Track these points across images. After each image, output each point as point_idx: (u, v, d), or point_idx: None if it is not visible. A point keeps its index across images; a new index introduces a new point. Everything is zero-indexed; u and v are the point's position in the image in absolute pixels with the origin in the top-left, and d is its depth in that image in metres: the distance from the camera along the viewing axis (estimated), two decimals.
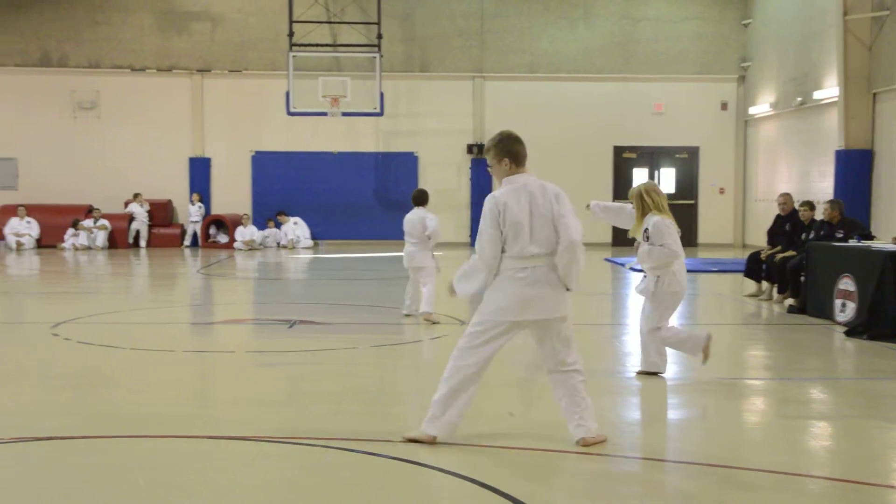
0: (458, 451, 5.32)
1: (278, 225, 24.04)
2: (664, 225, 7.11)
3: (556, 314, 5.37)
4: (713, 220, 25.16)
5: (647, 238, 7.18)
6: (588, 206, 7.68)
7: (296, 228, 23.92)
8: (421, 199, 10.90)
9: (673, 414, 6.71)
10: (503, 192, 5.42)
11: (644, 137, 24.97)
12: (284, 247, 23.66)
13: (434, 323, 10.44)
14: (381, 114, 22.58)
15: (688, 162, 25.33)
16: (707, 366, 7.49)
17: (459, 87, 24.71)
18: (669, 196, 25.41)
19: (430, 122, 24.72)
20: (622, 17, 24.67)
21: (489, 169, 5.61)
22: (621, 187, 25.07)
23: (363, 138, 24.54)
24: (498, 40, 24.63)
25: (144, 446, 5.45)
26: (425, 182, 23.88)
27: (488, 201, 5.38)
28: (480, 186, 24.47)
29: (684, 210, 25.43)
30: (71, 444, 5.43)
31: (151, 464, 5.09)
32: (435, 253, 10.92)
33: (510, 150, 5.45)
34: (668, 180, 25.38)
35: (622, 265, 18.41)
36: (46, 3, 23.85)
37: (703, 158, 25.15)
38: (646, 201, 7.23)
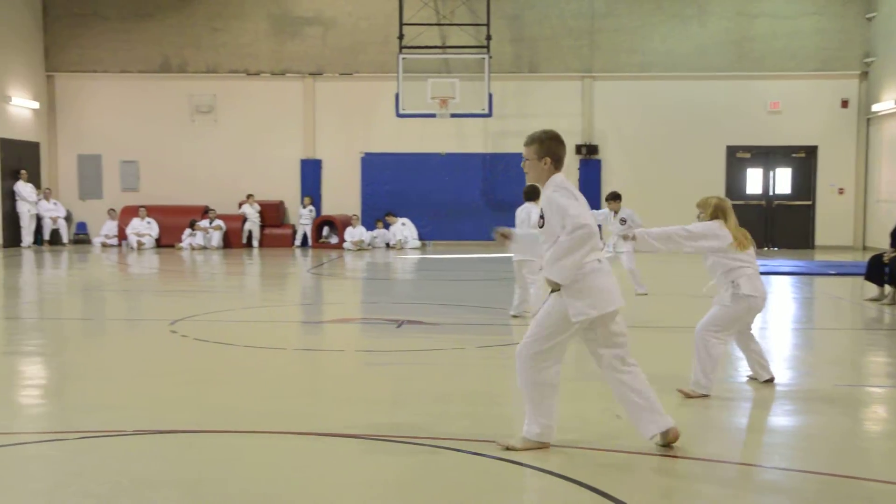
0: (562, 454, 5.26)
1: (387, 226, 24.31)
2: (716, 223, 6.87)
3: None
4: (831, 221, 24.29)
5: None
6: (633, 237, 6.88)
7: (404, 229, 24.14)
8: (533, 194, 10.97)
9: (787, 421, 6.49)
10: (569, 186, 5.26)
11: (759, 137, 24.31)
12: (392, 247, 23.91)
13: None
14: (489, 115, 22.58)
15: (805, 161, 24.54)
16: (824, 373, 7.22)
17: (568, 87, 24.53)
18: (785, 197, 25.00)
19: (539, 123, 24.46)
20: (738, 14, 24.06)
21: (523, 164, 5.37)
22: (734, 188, 24.51)
23: (471, 139, 24.60)
24: (608, 40, 24.35)
25: (257, 442, 5.57)
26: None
27: (559, 185, 5.20)
28: (589, 187, 24.22)
29: (801, 211, 24.68)
30: (189, 438, 5.59)
31: (264, 459, 5.20)
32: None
33: (554, 151, 5.28)
34: (783, 180, 24.67)
35: None
36: (168, 11, 24.71)
37: (822, 158, 24.32)
38: (727, 215, 6.95)
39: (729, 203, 7.07)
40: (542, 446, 5.29)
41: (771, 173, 24.68)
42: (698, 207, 7.05)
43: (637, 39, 24.29)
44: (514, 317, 10.93)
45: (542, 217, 5.30)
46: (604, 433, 5.81)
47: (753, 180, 24.79)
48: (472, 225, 24.39)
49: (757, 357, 7.27)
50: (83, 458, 5.21)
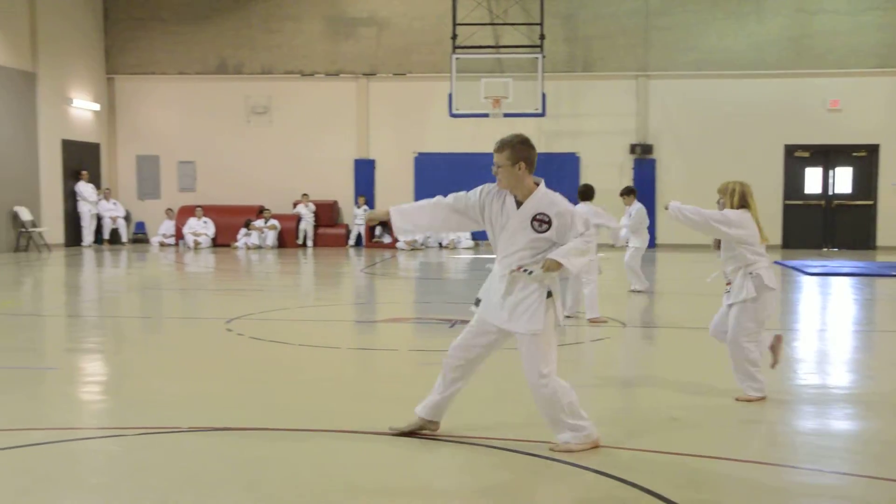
0: (620, 455, 5.22)
1: None
2: (746, 215, 6.66)
3: None
4: (894, 221, 23.77)
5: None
6: (667, 207, 6.89)
7: None
8: (588, 193, 10.96)
9: (848, 425, 6.35)
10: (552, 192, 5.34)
11: (818, 135, 23.88)
12: (445, 247, 23.95)
13: (603, 322, 10.44)
14: (542, 114, 22.50)
15: (866, 160, 24.04)
16: (886, 376, 7.07)
17: (623, 86, 24.34)
18: (845, 196, 24.54)
19: (593, 123, 24.47)
20: (796, 11, 23.66)
21: (495, 170, 5.30)
22: (792, 187, 24.13)
23: None
24: (663, 38, 24.12)
25: (312, 440, 5.61)
26: (587, 183, 23.69)
27: (571, 206, 5.34)
28: (643, 187, 24.00)
29: (862, 211, 24.19)
30: (245, 436, 5.65)
31: (317, 457, 5.23)
32: (597, 254, 10.85)
33: (527, 155, 5.26)
34: (843, 180, 24.22)
35: (795, 269, 17.66)
36: (224, 13, 25.04)
37: (884, 156, 23.81)
38: (748, 201, 6.76)
39: (751, 189, 6.83)
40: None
41: (830, 172, 24.23)
42: (719, 193, 6.83)
43: (692, 37, 24.02)
44: (567, 317, 10.86)
45: (545, 221, 5.22)
46: (660, 434, 5.75)
47: (812, 180, 24.36)
48: None
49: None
50: (142, 453, 5.29)
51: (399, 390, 7.15)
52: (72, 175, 23.83)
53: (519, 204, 5.33)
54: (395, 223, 5.55)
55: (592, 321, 10.51)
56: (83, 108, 24.36)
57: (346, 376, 7.87)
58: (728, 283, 6.79)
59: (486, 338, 5.45)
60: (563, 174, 23.95)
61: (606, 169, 24.24)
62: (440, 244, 24.17)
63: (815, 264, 18.30)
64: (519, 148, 5.23)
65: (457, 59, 22.40)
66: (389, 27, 24.79)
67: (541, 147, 24.66)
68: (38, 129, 22.52)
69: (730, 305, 6.75)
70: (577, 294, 10.87)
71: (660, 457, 5.25)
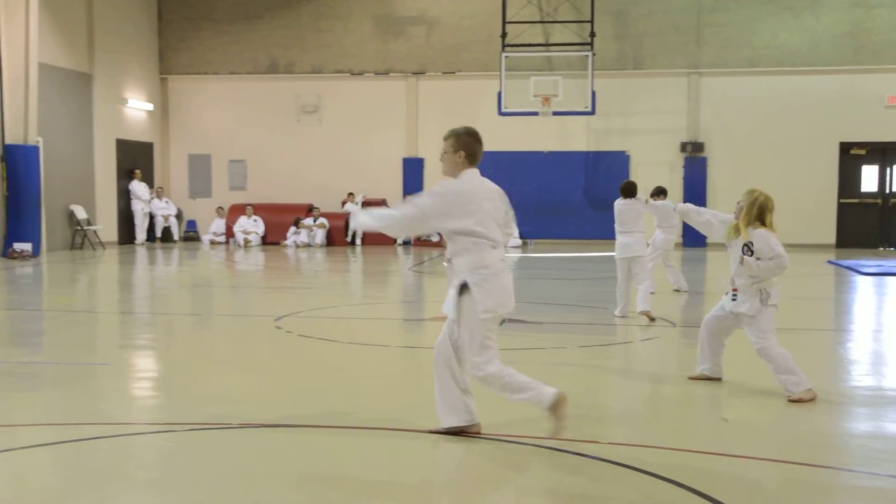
0: (666, 455, 5.16)
1: None
2: (772, 238, 6.59)
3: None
4: None
5: (751, 253, 6.66)
6: (675, 207, 7.50)
7: None
8: (632, 190, 10.94)
9: None
10: (469, 181, 5.46)
11: (874, 132, 23.43)
12: None
13: (651, 320, 10.37)
14: (592, 112, 22.35)
15: None
16: None
17: (674, 83, 24.10)
18: None
19: (643, 121, 24.26)
20: (853, 6, 23.22)
21: (441, 156, 5.62)
22: (847, 185, 23.70)
23: (573, 137, 24.41)
24: (716, 35, 23.82)
25: (359, 437, 5.63)
26: (636, 181, 23.48)
27: (452, 185, 5.45)
28: (694, 185, 23.77)
29: None
30: (293, 432, 5.68)
31: (365, 455, 5.25)
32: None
33: (469, 146, 5.50)
34: None
35: (849, 268, 17.33)
36: (275, 14, 25.27)
37: None
38: (765, 216, 6.69)
39: (773, 204, 6.75)
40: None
41: (888, 170, 23.75)
42: (745, 195, 6.81)
43: (746, 34, 23.69)
44: (622, 317, 10.76)
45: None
46: (711, 435, 5.68)
47: (868, 178, 23.89)
48: (574, 224, 24.22)
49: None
50: (192, 449, 5.35)
51: None
52: (125, 174, 24.23)
53: None
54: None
55: (645, 313, 10.51)
56: (137, 108, 24.74)
57: (393, 374, 7.89)
58: (735, 290, 6.76)
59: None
60: (613, 173, 23.81)
61: (656, 167, 24.03)
62: None
63: (871, 264, 17.95)
64: (463, 139, 5.51)
65: (506, 57, 22.35)
66: (439, 26, 24.81)
67: (590, 145, 24.70)
68: (94, 129, 22.93)
69: (735, 314, 6.74)
70: (627, 296, 10.77)
71: (710, 458, 5.19)
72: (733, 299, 6.76)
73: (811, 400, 6.49)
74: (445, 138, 5.59)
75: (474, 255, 5.32)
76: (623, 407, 6.71)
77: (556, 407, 5.26)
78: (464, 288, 5.36)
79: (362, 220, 5.49)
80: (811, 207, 23.23)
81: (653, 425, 6.07)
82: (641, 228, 10.82)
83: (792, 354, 6.66)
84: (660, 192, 12.91)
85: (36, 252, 19.33)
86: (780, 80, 23.65)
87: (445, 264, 5.49)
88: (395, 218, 5.44)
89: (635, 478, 4.84)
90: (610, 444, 5.40)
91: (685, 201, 23.59)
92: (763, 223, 6.68)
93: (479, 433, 5.49)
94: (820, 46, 23.40)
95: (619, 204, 10.84)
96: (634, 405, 6.76)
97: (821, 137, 23.49)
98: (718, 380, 7.07)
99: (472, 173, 5.51)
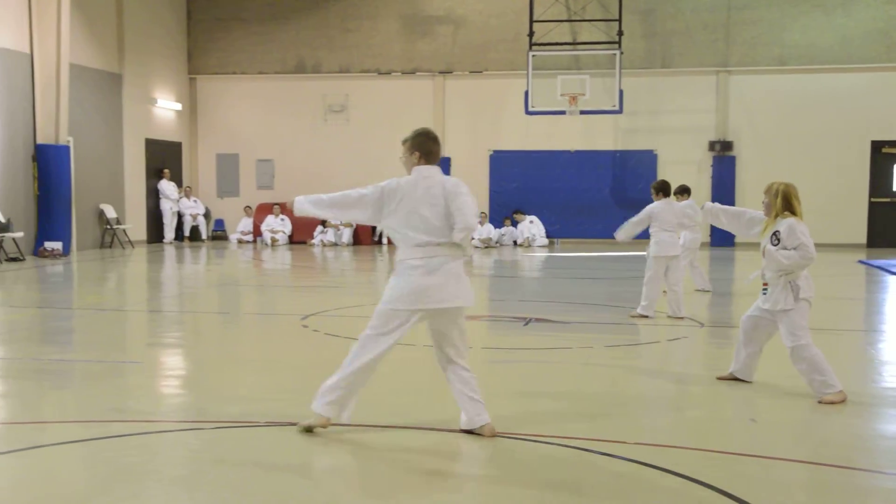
0: (694, 456, 5.13)
1: (514, 223, 24.28)
2: (800, 227, 6.48)
3: (454, 303, 5.44)
4: None
5: (778, 241, 6.55)
6: (703, 206, 7.41)
7: (531, 227, 24.07)
8: (668, 189, 10.94)
9: None
10: (406, 179, 5.59)
11: None
12: (520, 245, 23.86)
13: (679, 318, 10.39)
14: (620, 111, 22.25)
15: None
16: None
17: (702, 82, 23.94)
18: None
19: (671, 119, 24.12)
20: (886, 3, 22.96)
21: (401, 158, 5.77)
22: (879, 184, 23.44)
23: (601, 136, 24.31)
24: (745, 33, 23.64)
25: (386, 436, 5.63)
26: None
27: (391, 181, 5.59)
28: (722, 185, 23.61)
29: None
30: (321, 430, 5.68)
31: (392, 453, 5.25)
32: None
33: (423, 145, 5.65)
34: None
35: (880, 268, 17.14)
36: (303, 14, 25.36)
37: None
38: (792, 203, 6.59)
39: (796, 190, 6.66)
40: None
41: None
42: (764, 194, 6.72)
43: (776, 31, 23.48)
44: (644, 317, 10.69)
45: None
46: (739, 436, 5.63)
47: None
48: (601, 223, 24.08)
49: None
50: (220, 447, 5.38)
51: None
52: (154, 173, 24.42)
53: None
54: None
55: (677, 316, 10.61)
56: (166, 107, 24.93)
57: (419, 373, 7.88)
58: (765, 285, 6.66)
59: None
60: (640, 172, 23.70)
61: (684, 166, 23.87)
62: (515, 242, 24.10)
63: None
64: (417, 140, 5.68)
65: (533, 56, 22.29)
66: (466, 25, 24.80)
67: (617, 144, 24.59)
68: (124, 128, 23.12)
69: (769, 311, 6.65)
70: (652, 296, 10.70)
71: (738, 459, 5.14)
72: (763, 293, 6.69)
73: (842, 402, 6.42)
74: (403, 142, 5.76)
75: (399, 250, 5.56)
76: (650, 407, 6.67)
77: (312, 427, 5.51)
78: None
79: (302, 206, 5.69)
80: (842, 207, 22.99)
81: (680, 425, 6.03)
82: (675, 228, 10.87)
83: (822, 355, 6.59)
84: (684, 191, 12.85)
85: (66, 251, 19.52)
86: (811, 78, 23.43)
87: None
88: (334, 200, 5.64)
89: (662, 478, 4.81)
90: (636, 444, 5.37)
91: (713, 201, 23.55)
92: (792, 212, 6.59)
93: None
94: (852, 44, 23.15)
95: (659, 204, 10.77)
96: (661, 405, 6.71)
97: (852, 136, 23.24)
98: (748, 382, 7.00)
99: (421, 171, 5.61)
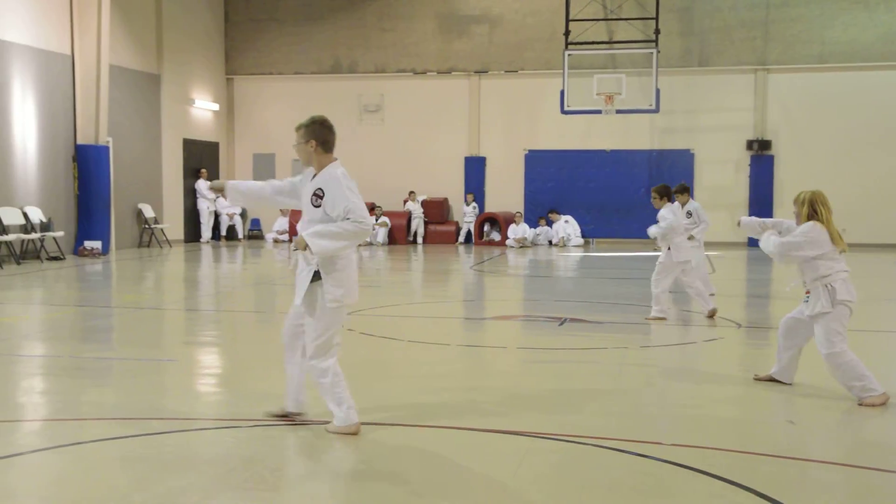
0: (732, 457, 5.08)
1: (550, 223, 24.21)
2: (809, 228, 6.50)
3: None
4: None
5: None
6: (739, 223, 7.43)
7: (567, 226, 23.98)
8: (670, 193, 10.92)
9: None
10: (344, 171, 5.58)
11: None
12: (555, 245, 23.79)
13: (710, 317, 10.40)
14: (656, 110, 22.09)
15: None
16: None
17: (740, 80, 23.71)
18: None
19: (708, 118, 23.91)
20: None
21: (294, 145, 5.66)
22: None
23: (637, 136, 24.16)
24: (784, 30, 23.37)
25: (420, 435, 5.64)
26: (701, 180, 23.28)
27: (345, 175, 5.56)
28: (760, 184, 23.38)
29: None
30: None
31: (426, 452, 5.26)
32: (707, 252, 10.72)
33: (319, 134, 5.58)
34: None
35: None
36: (339, 14, 25.47)
37: None
38: (817, 209, 6.56)
39: (824, 196, 6.68)
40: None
41: None
42: (794, 204, 6.75)
43: (815, 29, 23.19)
44: (658, 319, 10.59)
45: (320, 196, 5.48)
46: (776, 438, 5.57)
47: None
48: (637, 223, 23.93)
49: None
50: (255, 445, 5.41)
51: (506, 388, 7.13)
52: (192, 173, 24.64)
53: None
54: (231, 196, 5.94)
55: (710, 314, 10.59)
56: (204, 108, 25.15)
57: (455, 373, 7.88)
58: (807, 292, 6.66)
59: (300, 318, 5.71)
60: (676, 171, 23.51)
61: (721, 165, 23.68)
62: (550, 242, 24.04)
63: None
64: (312, 128, 5.59)
65: (569, 55, 22.19)
66: (502, 24, 24.76)
67: (654, 144, 24.42)
68: (162, 129, 23.37)
69: (810, 317, 6.60)
70: (661, 299, 10.59)
71: (776, 461, 5.08)
72: (806, 301, 6.66)
73: (882, 404, 6.33)
74: (297, 129, 5.68)
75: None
76: (686, 408, 6.61)
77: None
78: (318, 278, 5.58)
79: (323, 247, 5.39)
80: (883, 206, 22.65)
81: (716, 427, 5.98)
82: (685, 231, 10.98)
83: (861, 356, 6.51)
84: (684, 191, 12.72)
85: (105, 250, 19.76)
86: (852, 76, 23.11)
87: (294, 249, 5.68)
88: (351, 233, 5.48)
89: (698, 480, 4.77)
90: (673, 445, 5.33)
91: (751, 200, 23.31)
92: (817, 217, 6.58)
93: (292, 422, 5.73)
94: (894, 41, 22.79)
95: (674, 208, 10.74)
96: (697, 406, 6.66)
97: (893, 135, 22.89)
98: (787, 385, 6.93)
99: (343, 169, 5.63)
